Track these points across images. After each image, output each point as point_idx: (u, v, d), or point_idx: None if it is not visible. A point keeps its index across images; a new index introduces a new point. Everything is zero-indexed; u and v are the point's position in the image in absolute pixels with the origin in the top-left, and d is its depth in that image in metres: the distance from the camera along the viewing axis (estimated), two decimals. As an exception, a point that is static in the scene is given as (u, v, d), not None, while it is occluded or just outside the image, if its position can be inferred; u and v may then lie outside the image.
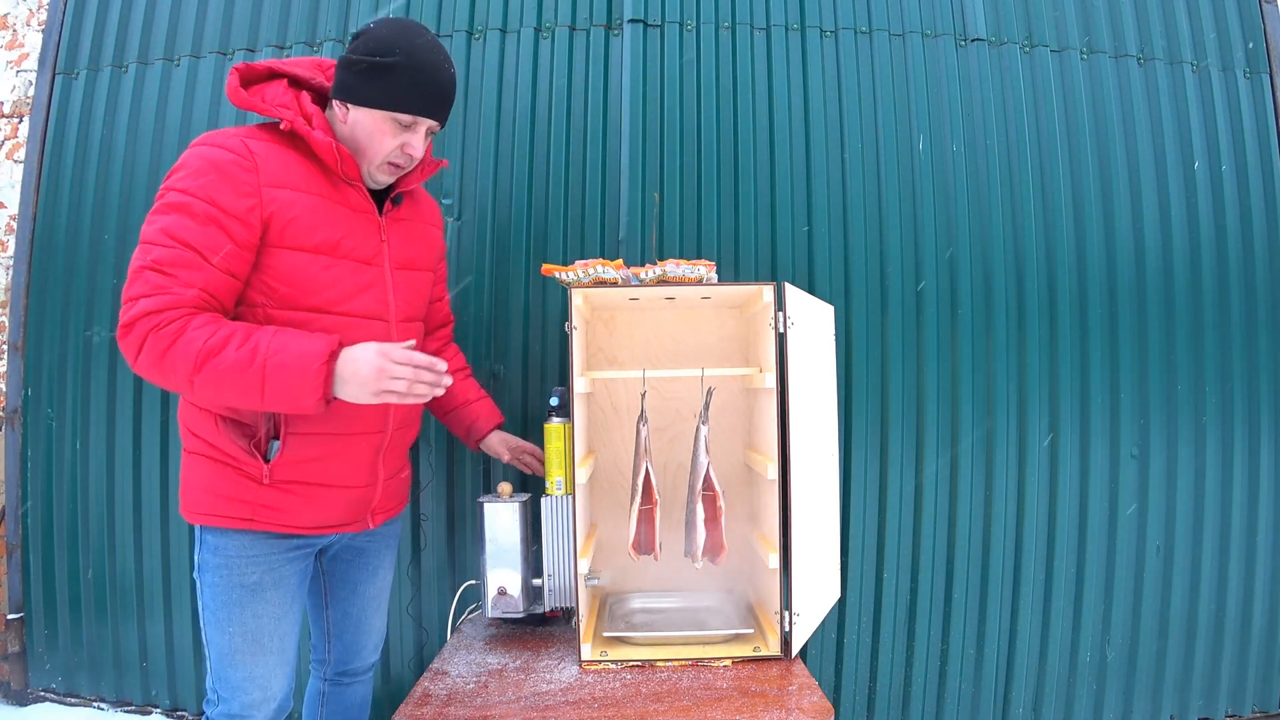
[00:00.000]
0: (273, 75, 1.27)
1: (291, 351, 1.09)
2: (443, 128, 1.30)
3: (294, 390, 1.09)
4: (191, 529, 1.26)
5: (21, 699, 2.12)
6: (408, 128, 1.24)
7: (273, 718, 1.28)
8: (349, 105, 1.23)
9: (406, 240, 1.36)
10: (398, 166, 1.27)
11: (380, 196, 1.32)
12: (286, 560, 1.26)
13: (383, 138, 1.23)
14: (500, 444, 1.64)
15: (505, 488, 1.56)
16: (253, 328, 1.12)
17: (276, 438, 1.21)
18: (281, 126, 1.21)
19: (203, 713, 1.28)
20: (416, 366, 1.11)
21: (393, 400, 1.12)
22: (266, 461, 1.21)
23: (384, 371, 1.09)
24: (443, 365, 1.15)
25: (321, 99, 1.30)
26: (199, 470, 1.23)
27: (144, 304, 1.08)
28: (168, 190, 1.14)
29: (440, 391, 1.15)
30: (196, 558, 1.25)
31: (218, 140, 1.17)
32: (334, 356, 1.11)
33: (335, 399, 1.13)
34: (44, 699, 2.12)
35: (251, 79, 1.25)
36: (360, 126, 1.23)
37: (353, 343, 1.17)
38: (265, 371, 1.08)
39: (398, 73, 1.20)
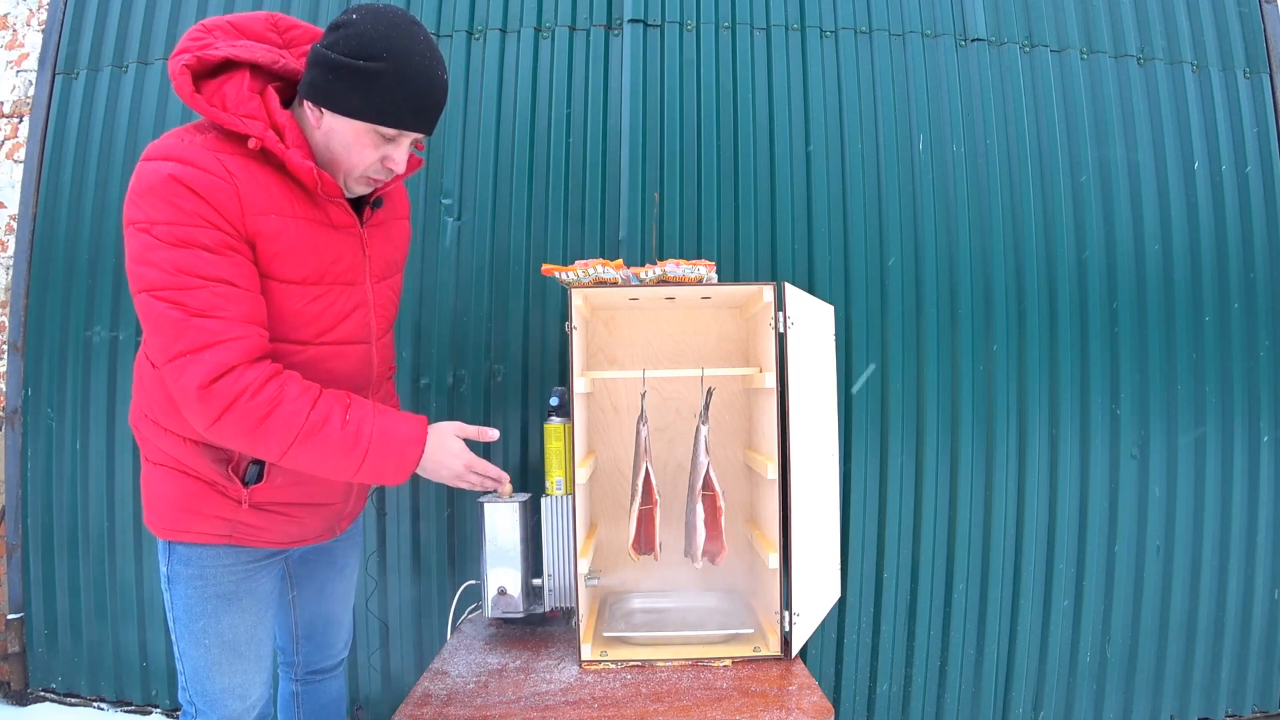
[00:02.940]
0: (229, 64, 1.08)
1: (394, 437, 1.11)
2: (429, 136, 1.19)
3: (386, 473, 1.12)
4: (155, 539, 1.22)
5: (21, 699, 2.12)
6: (390, 140, 1.10)
7: None
8: (324, 110, 1.08)
9: (385, 245, 1.28)
10: (376, 180, 1.16)
11: (358, 201, 1.21)
12: (261, 568, 1.23)
13: (362, 150, 1.10)
14: None
15: (505, 488, 1.55)
16: (345, 399, 1.09)
17: (256, 462, 1.16)
18: (250, 145, 1.05)
19: None
20: (486, 478, 1.24)
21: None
22: (246, 485, 1.15)
23: (461, 477, 1.21)
24: (506, 479, 1.27)
25: (289, 86, 1.14)
26: (168, 485, 1.16)
27: (213, 360, 0.99)
28: (153, 224, 0.99)
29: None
30: (165, 569, 1.19)
31: (185, 155, 1.01)
32: (425, 440, 1.15)
33: None
34: (44, 699, 2.12)
35: (204, 72, 1.07)
36: (336, 136, 1.09)
37: (336, 370, 1.17)
38: (368, 453, 1.08)
39: (384, 81, 1.04)
